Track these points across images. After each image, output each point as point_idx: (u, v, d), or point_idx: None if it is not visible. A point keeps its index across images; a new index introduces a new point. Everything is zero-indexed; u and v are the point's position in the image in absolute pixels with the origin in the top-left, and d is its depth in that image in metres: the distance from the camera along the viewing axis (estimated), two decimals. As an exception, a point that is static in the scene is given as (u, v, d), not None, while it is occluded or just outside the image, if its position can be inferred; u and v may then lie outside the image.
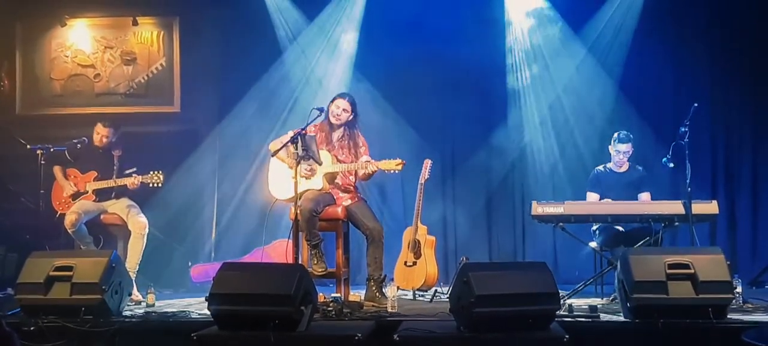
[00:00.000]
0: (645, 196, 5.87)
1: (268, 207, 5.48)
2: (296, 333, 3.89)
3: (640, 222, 5.41)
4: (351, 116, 5.42)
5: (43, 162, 6.01)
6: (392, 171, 5.19)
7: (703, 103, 6.04)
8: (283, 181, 5.31)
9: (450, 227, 7.26)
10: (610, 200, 5.69)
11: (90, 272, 4.47)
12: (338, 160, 5.35)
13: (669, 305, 4.11)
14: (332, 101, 5.45)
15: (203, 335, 3.93)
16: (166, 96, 7.43)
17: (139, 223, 5.74)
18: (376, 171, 5.21)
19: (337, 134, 5.45)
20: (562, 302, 4.29)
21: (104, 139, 5.97)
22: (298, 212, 5.06)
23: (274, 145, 5.36)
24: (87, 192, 5.89)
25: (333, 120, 5.39)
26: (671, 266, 4.16)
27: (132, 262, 5.61)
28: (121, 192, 5.89)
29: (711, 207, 5.24)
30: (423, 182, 5.82)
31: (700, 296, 4.10)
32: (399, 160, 5.14)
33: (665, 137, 6.09)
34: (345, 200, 5.38)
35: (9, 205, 6.86)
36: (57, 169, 6.01)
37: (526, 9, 7.23)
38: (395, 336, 3.88)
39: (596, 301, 5.16)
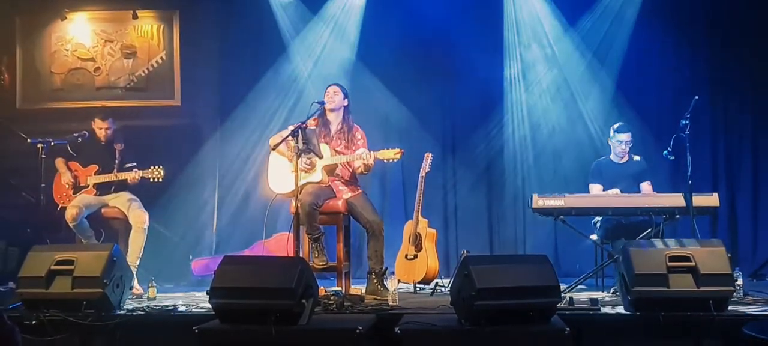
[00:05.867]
0: (646, 186, 5.86)
1: (269, 201, 5.48)
2: (297, 327, 3.88)
3: (641, 215, 5.41)
4: (345, 101, 5.44)
5: (43, 156, 6.00)
6: (391, 160, 5.20)
7: (703, 95, 6.03)
8: (283, 175, 5.30)
9: (451, 220, 7.26)
10: (611, 192, 5.69)
11: (91, 265, 4.46)
12: (337, 152, 5.35)
13: (670, 297, 4.10)
14: (325, 92, 5.51)
15: (205, 329, 3.93)
16: (166, 90, 7.41)
17: (139, 217, 5.73)
18: (374, 162, 5.21)
19: (334, 126, 5.45)
20: (563, 295, 4.29)
21: (106, 132, 5.96)
22: (299, 205, 5.07)
23: (274, 140, 5.35)
24: (88, 186, 5.89)
25: (327, 106, 5.40)
26: (672, 259, 4.15)
27: (133, 256, 5.60)
28: (120, 186, 5.89)
29: (712, 200, 5.24)
30: (424, 175, 5.81)
31: (701, 288, 4.09)
32: (397, 149, 5.14)
33: (665, 130, 6.08)
34: (345, 194, 5.38)
35: (10, 199, 6.86)
36: (59, 161, 6.00)
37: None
38: (396, 329, 3.87)
39: (597, 294, 5.16)
